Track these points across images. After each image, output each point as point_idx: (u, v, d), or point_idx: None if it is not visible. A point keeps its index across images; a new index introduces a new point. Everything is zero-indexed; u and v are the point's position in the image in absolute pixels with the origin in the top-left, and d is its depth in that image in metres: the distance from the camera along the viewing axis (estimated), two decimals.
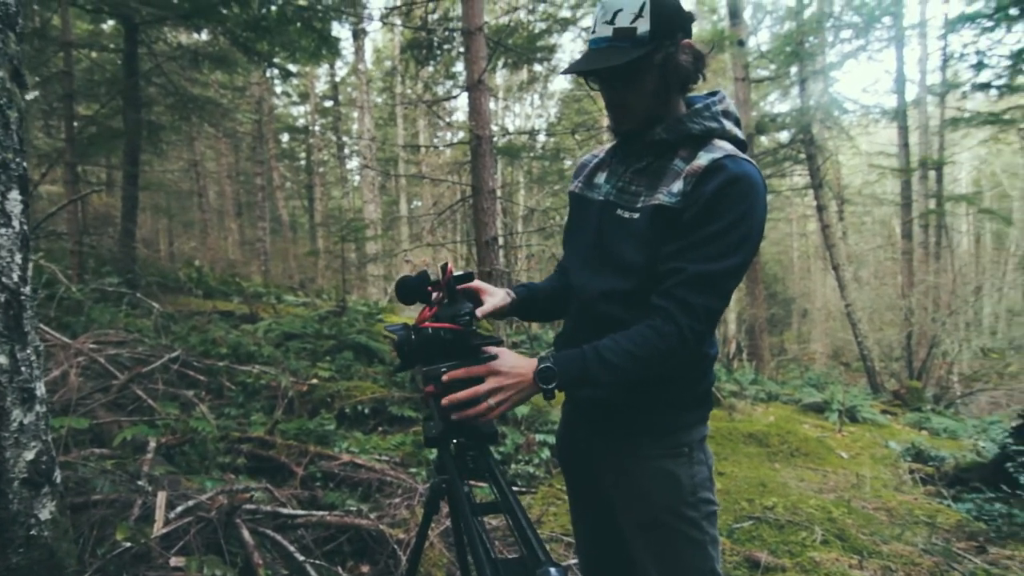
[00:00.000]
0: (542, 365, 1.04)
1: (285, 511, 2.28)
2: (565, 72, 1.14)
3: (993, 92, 15.10)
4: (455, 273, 1.11)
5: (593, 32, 1.09)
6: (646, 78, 1.08)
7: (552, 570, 0.52)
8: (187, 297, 7.51)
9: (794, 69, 11.48)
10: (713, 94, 1.19)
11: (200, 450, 2.82)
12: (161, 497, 1.96)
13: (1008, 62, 14.63)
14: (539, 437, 3.82)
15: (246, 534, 1.99)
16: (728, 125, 1.14)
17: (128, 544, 1.75)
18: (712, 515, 1.18)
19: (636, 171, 1.18)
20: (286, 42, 6.67)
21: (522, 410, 4.23)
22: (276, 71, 8.13)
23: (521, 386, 1.04)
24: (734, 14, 11.14)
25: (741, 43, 10.96)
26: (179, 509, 2.02)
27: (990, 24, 14.25)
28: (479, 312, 1.20)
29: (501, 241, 7.02)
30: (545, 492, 3.30)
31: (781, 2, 13.25)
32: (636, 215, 1.12)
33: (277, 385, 3.90)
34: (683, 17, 1.09)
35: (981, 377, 12.01)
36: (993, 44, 14.26)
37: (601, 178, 1.26)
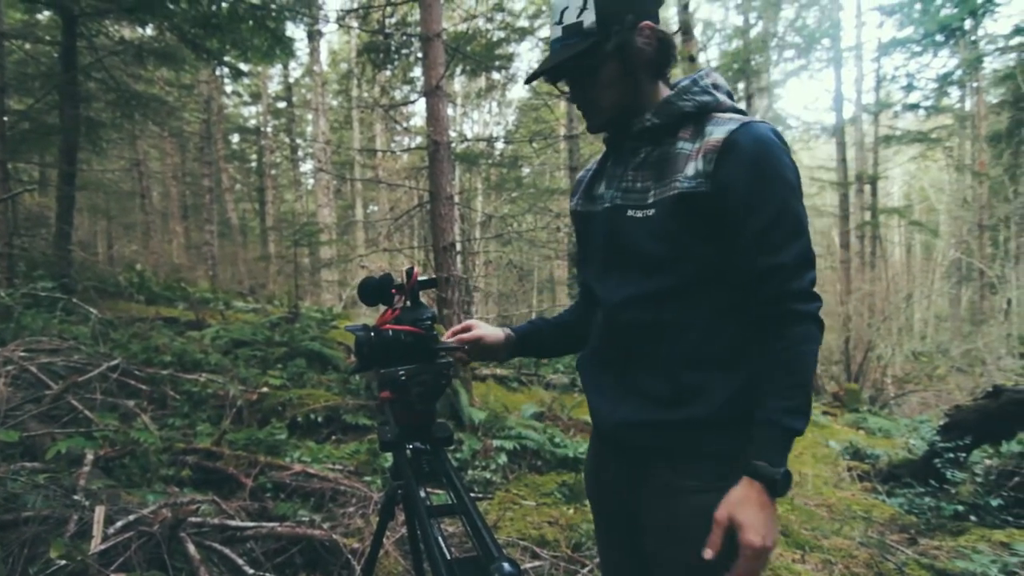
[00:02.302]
0: (762, 478, 0.93)
1: (233, 523, 2.21)
2: (527, 81, 1.13)
3: (921, 112, 16.22)
4: (420, 278, 1.11)
5: (550, 36, 1.08)
6: (603, 68, 1.04)
7: (505, 565, 0.53)
8: (128, 303, 7.17)
9: (741, 85, 11.98)
10: (698, 72, 1.11)
11: (142, 462, 2.69)
12: (99, 512, 1.87)
13: (935, 84, 15.71)
14: (496, 443, 3.82)
15: (192, 548, 1.92)
16: (722, 97, 1.07)
17: (63, 561, 1.66)
18: None
19: (637, 167, 1.08)
20: (237, 40, 6.48)
21: (480, 416, 4.23)
22: (226, 70, 7.88)
23: (770, 515, 0.93)
24: (685, 30, 11.52)
25: (692, 59, 11.34)
26: (119, 524, 1.93)
27: (919, 49, 15.31)
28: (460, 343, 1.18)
29: (459, 247, 7.02)
30: (502, 497, 3.31)
31: (729, 21, 13.81)
32: (651, 212, 1.02)
33: (225, 394, 3.77)
34: (637, 1, 1.04)
35: (912, 379, 12.75)
36: (921, 67, 15.32)
37: (601, 188, 1.16)
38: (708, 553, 0.93)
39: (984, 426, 3.99)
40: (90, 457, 2.51)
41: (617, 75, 1.04)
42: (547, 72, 1.08)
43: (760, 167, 0.96)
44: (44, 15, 8.61)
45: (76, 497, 2.06)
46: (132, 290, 7.77)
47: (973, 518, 3.44)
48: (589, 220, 1.16)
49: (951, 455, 3.97)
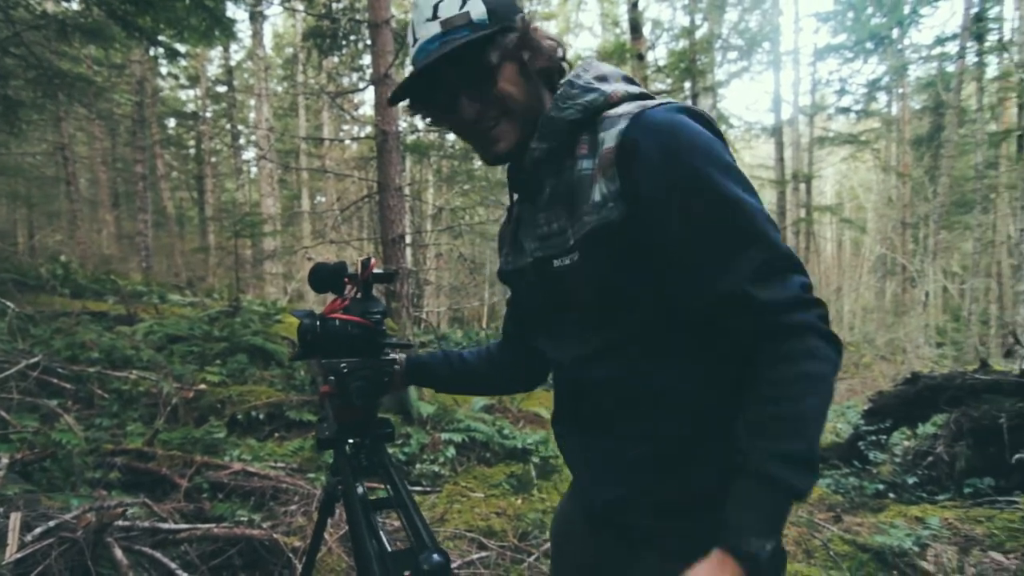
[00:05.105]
0: (737, 551, 0.67)
1: (165, 526, 2.12)
2: (393, 100, 0.88)
3: (852, 115, 17.15)
4: (376, 270, 1.07)
5: (414, 42, 0.85)
6: (503, 68, 0.83)
7: (434, 556, 0.54)
8: (51, 296, 6.70)
9: (687, 84, 12.31)
10: (575, 69, 0.90)
11: (64, 465, 2.54)
12: (14, 518, 1.75)
13: (864, 89, 16.63)
14: (445, 436, 3.82)
15: (119, 553, 1.83)
16: (609, 87, 0.85)
17: None
18: None
19: (546, 206, 0.88)
20: (173, 19, 6.12)
21: (428, 409, 4.20)
22: (161, 50, 7.44)
23: None
24: (635, 28, 11.74)
25: (641, 57, 11.58)
26: (38, 531, 1.81)
27: (851, 55, 16.17)
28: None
29: (408, 240, 6.93)
30: (450, 490, 3.31)
31: (677, 21, 14.16)
32: (575, 256, 0.82)
33: (158, 392, 3.60)
34: (516, 6, 0.88)
35: (841, 368, 13.53)
36: (853, 73, 16.22)
37: (524, 239, 0.96)
38: None
39: (903, 410, 4.28)
40: (5, 461, 2.35)
41: (518, 75, 0.85)
42: (429, 69, 0.82)
43: (673, 164, 0.74)
44: None
45: None
46: (55, 283, 7.27)
47: (892, 495, 3.69)
48: (522, 277, 0.97)
49: (873, 438, 4.25)
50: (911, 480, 3.72)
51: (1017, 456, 3.31)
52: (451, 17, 0.82)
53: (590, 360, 0.86)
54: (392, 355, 1.11)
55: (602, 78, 0.87)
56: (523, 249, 0.95)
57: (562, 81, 0.87)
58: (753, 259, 0.72)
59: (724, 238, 0.74)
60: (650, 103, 0.80)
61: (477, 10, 0.82)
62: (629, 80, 0.90)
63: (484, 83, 0.83)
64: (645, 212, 0.76)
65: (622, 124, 0.77)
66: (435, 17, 0.83)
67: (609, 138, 0.78)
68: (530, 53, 0.85)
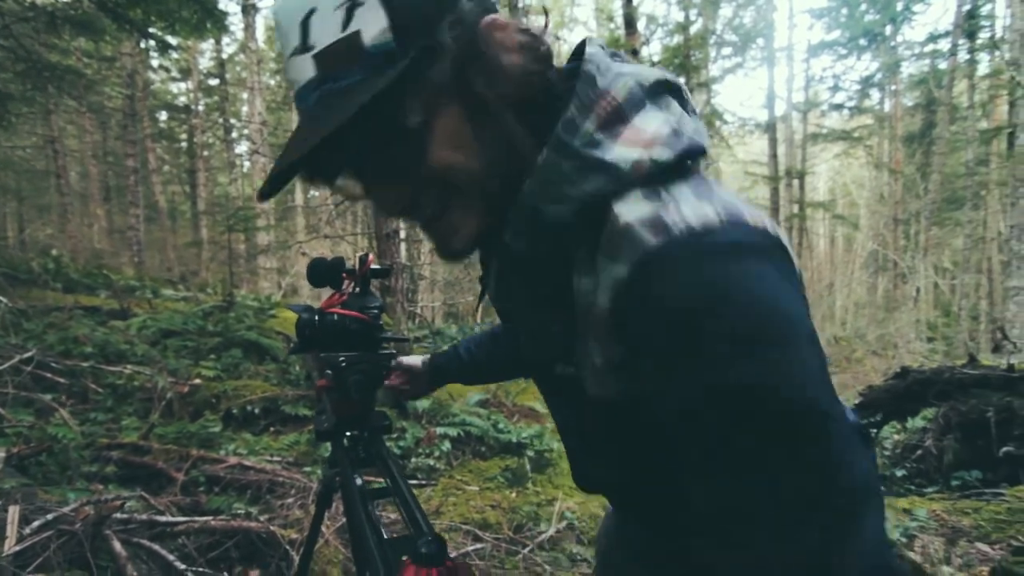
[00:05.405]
0: None
1: (163, 519, 2.14)
2: (262, 197, 0.53)
3: (846, 112, 17.25)
4: (374, 266, 1.09)
5: (291, 81, 0.53)
6: (436, 124, 0.51)
7: (432, 542, 0.56)
8: (43, 290, 6.66)
9: (681, 80, 12.36)
10: (571, 78, 0.53)
11: (61, 459, 2.55)
12: (13, 512, 1.76)
13: (857, 86, 16.74)
14: (440, 430, 3.84)
15: (117, 545, 1.84)
16: (626, 156, 0.48)
17: None
18: None
19: (540, 302, 0.60)
20: (164, 11, 6.08)
21: (423, 404, 4.22)
22: (152, 43, 7.38)
23: None
24: (629, 24, 11.75)
25: (635, 52, 11.58)
26: (36, 524, 1.82)
27: (844, 52, 16.25)
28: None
29: (403, 234, 6.92)
30: (445, 484, 3.33)
31: (671, 16, 14.18)
32: (583, 371, 0.57)
33: (153, 386, 3.60)
34: None
35: (833, 362, 13.67)
36: (846, 70, 16.30)
37: (515, 317, 0.72)
38: None
39: (893, 404, 4.34)
40: (2, 455, 2.35)
41: (463, 131, 0.52)
42: (303, 162, 0.49)
43: (707, 364, 0.43)
44: None
45: None
46: (47, 277, 7.23)
47: (881, 488, 3.75)
48: (509, 326, 0.77)
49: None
50: (900, 473, 3.78)
51: (1004, 449, 3.37)
52: (329, 48, 0.49)
53: (596, 470, 0.70)
54: (391, 350, 1.14)
55: (616, 118, 0.50)
56: (511, 324, 0.75)
57: (560, 125, 0.50)
58: (759, 535, 0.45)
59: (732, 479, 0.45)
60: (679, 221, 0.45)
61: (372, 29, 0.48)
62: (662, 92, 0.55)
63: (405, 159, 0.52)
64: (658, 406, 0.49)
65: (620, 270, 0.46)
66: (306, 48, 0.49)
67: (605, 284, 0.48)
68: (484, 78, 0.51)
